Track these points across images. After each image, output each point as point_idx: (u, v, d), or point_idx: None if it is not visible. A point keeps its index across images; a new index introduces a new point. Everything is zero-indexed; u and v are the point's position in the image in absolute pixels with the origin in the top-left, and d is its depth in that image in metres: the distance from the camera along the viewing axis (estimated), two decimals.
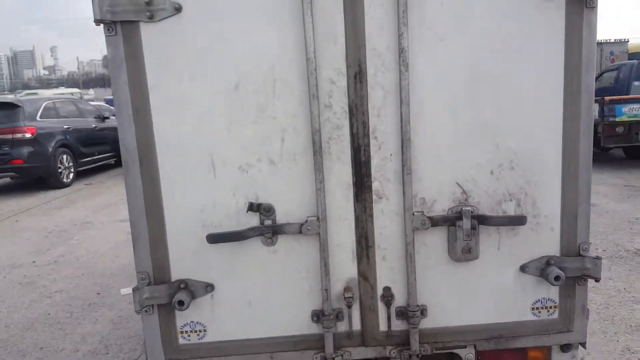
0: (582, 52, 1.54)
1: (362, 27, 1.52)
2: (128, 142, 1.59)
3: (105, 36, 1.53)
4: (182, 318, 1.69)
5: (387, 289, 1.68)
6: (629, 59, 12.63)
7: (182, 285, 1.66)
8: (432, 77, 1.55)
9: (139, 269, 1.66)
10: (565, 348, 1.75)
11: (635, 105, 8.37)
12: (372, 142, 1.58)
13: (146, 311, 1.67)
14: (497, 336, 1.71)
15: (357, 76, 1.54)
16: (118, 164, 11.86)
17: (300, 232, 1.60)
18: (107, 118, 10.93)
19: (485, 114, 1.58)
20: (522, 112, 1.58)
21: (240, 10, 1.52)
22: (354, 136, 1.58)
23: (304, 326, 1.70)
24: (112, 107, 12.42)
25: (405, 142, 1.55)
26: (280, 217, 1.62)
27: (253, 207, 1.61)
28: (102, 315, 3.75)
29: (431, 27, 1.52)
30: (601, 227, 5.19)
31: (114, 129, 11.53)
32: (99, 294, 4.16)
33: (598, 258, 1.64)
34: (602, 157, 10.11)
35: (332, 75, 1.55)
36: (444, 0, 1.50)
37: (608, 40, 20.60)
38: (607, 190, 6.86)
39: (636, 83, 9.90)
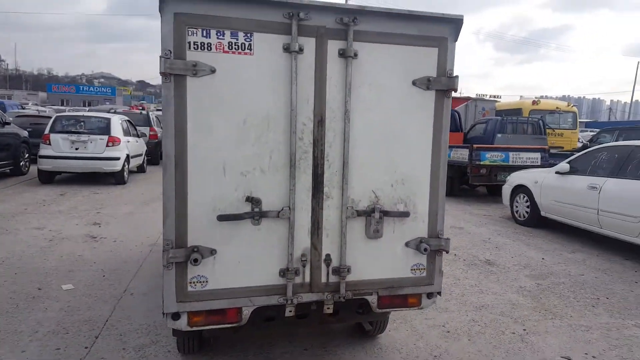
0: (442, 121, 2.80)
1: (324, 96, 2.61)
2: (169, 151, 2.47)
3: (162, 82, 2.43)
4: (191, 272, 2.57)
5: (327, 255, 2.74)
6: (496, 115, 15.52)
7: (195, 249, 2.55)
8: (362, 128, 2.69)
9: (166, 237, 2.51)
10: (429, 295, 2.96)
11: (496, 153, 10.61)
12: (325, 163, 2.66)
13: (167, 267, 2.53)
14: (390, 286, 2.86)
15: (319, 123, 2.63)
16: (15, 173, 11.46)
17: (278, 217, 2.61)
18: (8, 124, 10.62)
19: (390, 152, 2.75)
20: (409, 152, 2.78)
21: (252, 78, 2.53)
22: (315, 158, 2.65)
23: (274, 279, 2.68)
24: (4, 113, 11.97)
25: (345, 164, 2.66)
26: (265, 206, 2.61)
27: (248, 199, 2.59)
28: (50, 306, 4.23)
29: (362, 101, 2.66)
30: (464, 243, 6.88)
31: (15, 135, 11.25)
32: (39, 289, 4.59)
33: (447, 239, 2.87)
34: (470, 192, 12.41)
35: (305, 120, 2.61)
36: (370, 87, 2.66)
37: (483, 97, 24.41)
38: (471, 218, 8.76)
39: (499, 135, 12.37)
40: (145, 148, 14.11)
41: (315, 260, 2.72)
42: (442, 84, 2.74)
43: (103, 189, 10.63)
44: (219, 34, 2.46)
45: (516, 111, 15.49)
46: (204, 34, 2.45)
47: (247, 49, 2.50)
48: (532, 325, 4.20)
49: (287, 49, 2.52)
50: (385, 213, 2.75)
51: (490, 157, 10.47)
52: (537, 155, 10.84)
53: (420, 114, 2.77)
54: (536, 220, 8.16)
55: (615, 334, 4.05)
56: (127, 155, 11.67)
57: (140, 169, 13.69)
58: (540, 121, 13.01)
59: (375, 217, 2.72)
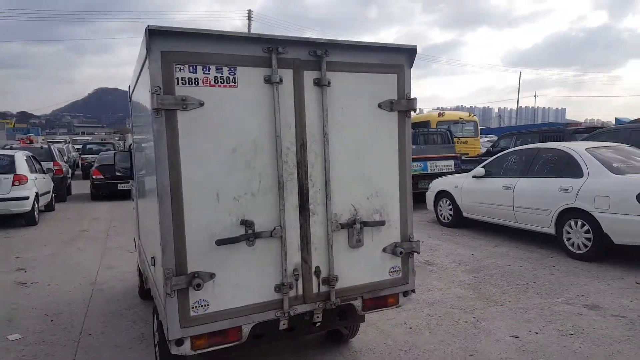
0: (405, 138, 3.20)
1: (304, 121, 2.89)
2: (164, 182, 2.60)
3: (154, 117, 2.56)
4: (193, 297, 2.69)
5: (317, 267, 2.99)
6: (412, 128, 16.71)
7: (195, 275, 2.67)
8: (338, 148, 3.00)
9: (166, 266, 2.62)
10: (405, 294, 3.32)
11: (416, 163, 11.49)
12: (309, 182, 2.93)
13: (170, 295, 2.63)
14: (372, 289, 3.17)
15: (302, 146, 2.90)
16: None
17: (271, 236, 2.83)
18: None
19: (363, 168, 3.09)
20: (380, 167, 3.14)
21: (237, 108, 2.74)
22: (299, 179, 2.91)
23: (270, 294, 2.88)
24: None
25: (327, 182, 2.95)
26: (258, 227, 2.81)
27: (242, 222, 2.77)
28: (3, 357, 3.99)
29: (337, 124, 2.98)
30: None
31: None
32: None
33: (418, 241, 3.26)
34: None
35: (288, 145, 2.87)
36: (343, 111, 2.99)
37: None
38: None
39: (414, 146, 13.37)
40: (52, 184, 13.23)
41: (307, 273, 2.96)
42: (402, 105, 3.15)
43: (14, 232, 9.83)
44: (205, 69, 2.66)
45: (425, 123, 16.81)
46: (191, 70, 2.63)
47: (232, 82, 2.72)
48: (480, 313, 4.75)
49: (268, 80, 2.78)
50: (365, 224, 3.07)
51: (412, 168, 11.30)
52: (451, 162, 11.92)
53: (386, 133, 3.15)
54: (459, 221, 9.02)
55: (548, 312, 4.72)
56: (36, 194, 10.92)
57: (49, 207, 12.79)
58: (447, 131, 14.28)
59: (356, 228, 3.04)
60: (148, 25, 2.49)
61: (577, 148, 7.14)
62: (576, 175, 6.79)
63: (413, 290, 3.35)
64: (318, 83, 2.91)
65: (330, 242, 2.98)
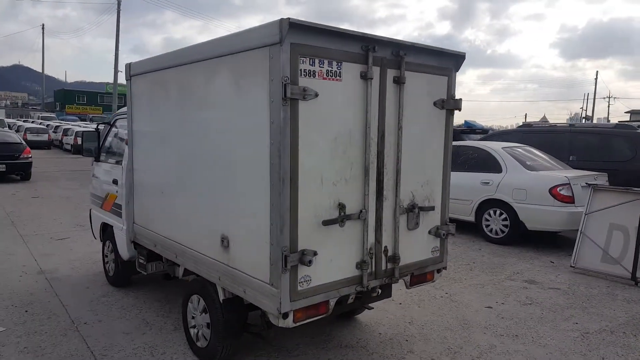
0: (449, 133, 3.83)
1: (384, 115, 3.34)
2: (286, 167, 2.87)
3: (282, 106, 2.81)
4: (301, 273, 3.00)
5: (385, 247, 3.48)
6: None
7: (304, 252, 2.99)
8: (405, 140, 3.51)
9: (283, 244, 2.89)
10: (438, 271, 3.99)
11: None
12: (384, 171, 3.40)
13: (287, 271, 2.91)
14: (419, 267, 3.77)
15: (382, 137, 3.35)
16: None
17: (358, 218, 3.26)
18: None
19: (422, 159, 3.63)
20: (432, 158, 3.72)
21: (340, 100, 3.09)
22: (378, 167, 3.36)
23: (352, 271, 3.29)
24: None
25: (398, 171, 3.45)
26: (348, 210, 3.21)
27: (339, 205, 3.15)
28: (4, 353, 3.72)
29: (406, 117, 3.47)
30: None
31: None
32: None
33: (453, 224, 3.93)
34: None
35: (373, 136, 3.29)
36: (411, 107, 3.49)
37: None
38: None
39: None
40: None
41: (379, 252, 3.44)
42: (450, 104, 3.78)
43: None
44: (320, 63, 2.97)
45: None
46: (311, 63, 2.93)
47: (338, 76, 3.07)
48: (449, 289, 5.66)
49: (364, 76, 3.18)
50: (421, 208, 3.66)
51: None
52: None
53: (437, 128, 3.75)
54: None
55: (500, 287, 5.81)
56: None
57: None
58: None
59: (415, 212, 3.61)
60: (288, 18, 2.74)
61: (495, 147, 8.56)
62: (496, 170, 8.17)
63: (445, 268, 4.03)
64: (397, 81, 3.38)
65: (397, 224, 3.50)
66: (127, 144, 4.90)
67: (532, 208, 7.59)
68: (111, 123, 5.65)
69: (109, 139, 5.63)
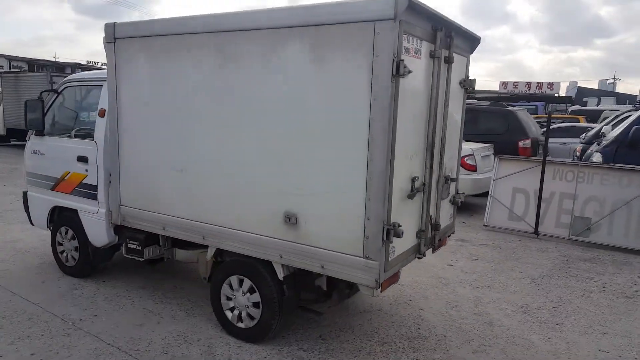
0: (464, 111, 4.32)
1: (438, 92, 3.63)
2: (390, 144, 3.01)
3: (390, 82, 2.94)
4: (390, 245, 3.21)
5: (431, 216, 3.85)
6: None
7: (396, 224, 3.20)
8: (450, 125, 3.88)
9: (383, 218, 3.07)
10: (449, 236, 4.51)
11: None
12: (435, 145, 3.74)
13: (385, 243, 3.10)
14: (445, 232, 4.23)
15: (434, 114, 3.65)
16: None
17: (423, 191, 3.56)
18: None
19: (451, 134, 4.03)
20: (454, 134, 4.16)
21: (419, 78, 3.31)
22: (430, 142, 3.68)
23: (413, 240, 3.59)
24: None
25: (443, 145, 3.82)
26: (416, 184, 3.49)
27: (413, 179, 3.41)
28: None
29: (451, 108, 3.85)
30: None
31: None
32: None
33: (463, 193, 4.47)
34: None
35: (432, 112, 3.60)
36: (452, 100, 3.87)
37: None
38: None
39: None
40: None
41: (427, 221, 3.80)
42: (467, 84, 4.24)
43: None
44: (412, 40, 3.15)
45: None
46: (407, 40, 3.08)
47: (419, 53, 3.28)
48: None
49: (432, 55, 3.44)
50: (451, 180, 4.10)
51: None
52: None
53: (459, 105, 4.19)
54: None
55: (450, 249, 6.65)
56: None
57: None
58: None
59: (448, 183, 4.04)
60: None
61: None
62: None
63: (453, 232, 4.57)
64: (447, 60, 3.71)
65: (439, 195, 3.89)
66: (101, 115, 4.33)
67: None
68: (59, 91, 4.85)
69: (58, 109, 4.84)
